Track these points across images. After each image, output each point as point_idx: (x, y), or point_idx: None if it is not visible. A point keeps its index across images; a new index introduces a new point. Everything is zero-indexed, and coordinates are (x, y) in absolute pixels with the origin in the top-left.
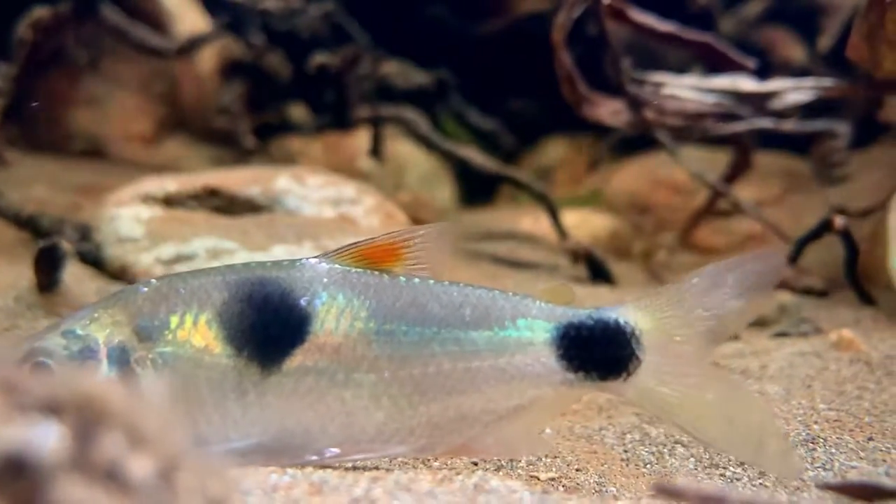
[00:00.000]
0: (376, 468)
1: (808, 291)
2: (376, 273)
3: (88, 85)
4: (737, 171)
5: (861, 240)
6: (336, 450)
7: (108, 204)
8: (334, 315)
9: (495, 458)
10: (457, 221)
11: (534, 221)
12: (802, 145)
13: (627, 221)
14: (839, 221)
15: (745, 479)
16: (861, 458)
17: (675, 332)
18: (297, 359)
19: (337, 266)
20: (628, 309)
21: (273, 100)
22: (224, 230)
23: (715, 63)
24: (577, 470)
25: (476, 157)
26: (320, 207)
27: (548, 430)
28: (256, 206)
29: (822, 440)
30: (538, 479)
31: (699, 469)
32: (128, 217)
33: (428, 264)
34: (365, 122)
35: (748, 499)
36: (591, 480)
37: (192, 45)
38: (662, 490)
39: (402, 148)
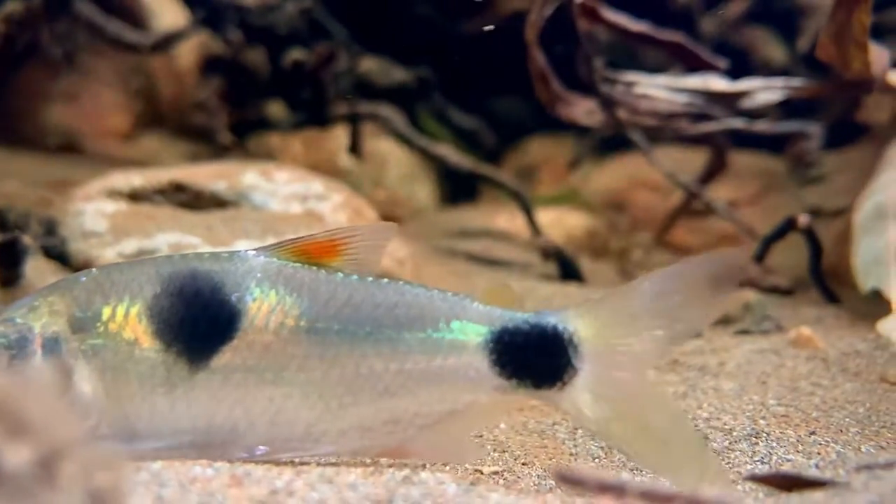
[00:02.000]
0: (307, 462)
1: (773, 290)
2: (312, 268)
3: (64, 80)
4: (712, 173)
5: (832, 239)
6: (265, 448)
7: (75, 199)
8: (265, 312)
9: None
10: (431, 218)
11: (509, 219)
12: (779, 145)
13: (604, 220)
14: (802, 220)
15: None
16: (798, 451)
17: (619, 340)
18: (226, 356)
19: (273, 260)
20: (569, 315)
21: (251, 96)
22: (188, 225)
23: (687, 63)
24: (522, 464)
25: (451, 154)
26: (287, 203)
27: (502, 426)
28: (222, 201)
29: (765, 435)
30: (481, 473)
31: None
32: (92, 212)
33: (366, 263)
34: (342, 119)
35: (646, 488)
36: (535, 474)
37: (168, 41)
38: (562, 477)
39: (382, 145)
